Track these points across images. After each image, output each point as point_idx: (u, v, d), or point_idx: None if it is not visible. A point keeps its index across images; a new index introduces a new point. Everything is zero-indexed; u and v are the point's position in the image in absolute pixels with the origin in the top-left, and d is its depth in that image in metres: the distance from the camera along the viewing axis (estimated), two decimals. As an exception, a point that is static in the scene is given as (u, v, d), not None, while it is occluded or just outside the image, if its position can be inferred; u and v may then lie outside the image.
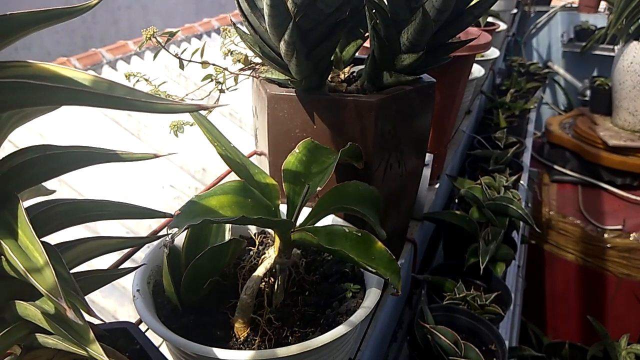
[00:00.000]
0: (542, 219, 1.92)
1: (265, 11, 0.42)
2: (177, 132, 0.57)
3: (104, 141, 1.01)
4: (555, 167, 2.06)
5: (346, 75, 0.60)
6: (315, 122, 0.51)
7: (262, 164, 0.60)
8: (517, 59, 1.81)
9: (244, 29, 0.50)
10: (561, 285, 1.93)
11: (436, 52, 0.53)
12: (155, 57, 0.53)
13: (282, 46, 0.44)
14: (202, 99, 0.58)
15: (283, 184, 0.43)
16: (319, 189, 0.42)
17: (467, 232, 0.84)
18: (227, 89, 0.58)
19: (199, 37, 1.65)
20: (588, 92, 2.52)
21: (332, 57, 0.50)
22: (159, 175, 1.01)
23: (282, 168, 0.44)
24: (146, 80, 0.57)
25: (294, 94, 0.51)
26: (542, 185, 2.02)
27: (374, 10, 0.49)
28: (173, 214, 0.35)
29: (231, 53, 0.62)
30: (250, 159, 0.70)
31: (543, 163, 2.11)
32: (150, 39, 0.50)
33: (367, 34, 0.58)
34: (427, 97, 0.56)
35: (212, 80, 0.58)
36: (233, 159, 0.40)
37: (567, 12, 3.01)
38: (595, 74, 2.81)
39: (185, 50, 0.54)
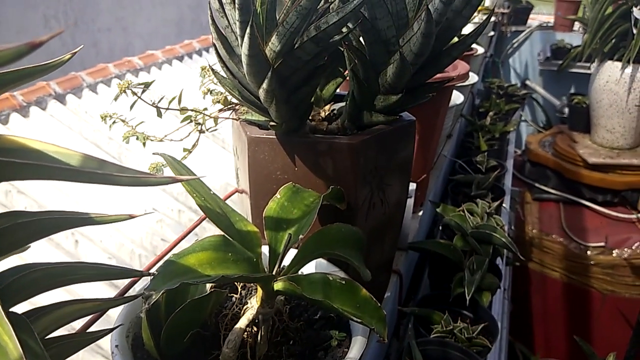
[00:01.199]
0: (526, 238, 1.93)
1: (243, 60, 0.41)
2: (157, 173, 0.56)
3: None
4: (537, 185, 2.09)
5: (327, 113, 0.60)
6: (297, 165, 0.51)
7: (244, 202, 0.60)
8: (496, 81, 1.84)
9: (222, 72, 0.50)
10: (547, 303, 1.94)
11: (415, 92, 0.53)
12: (116, 99, 0.52)
13: (261, 93, 0.44)
14: (182, 139, 0.57)
15: (265, 232, 0.43)
16: (301, 236, 0.42)
17: (452, 261, 0.84)
18: (207, 129, 0.57)
19: (180, 59, 1.65)
20: (566, 110, 2.57)
21: (311, 100, 0.50)
22: (141, 198, 0.99)
23: (263, 215, 0.43)
24: (123, 121, 0.56)
25: (275, 137, 0.50)
26: (525, 203, 2.04)
27: (352, 53, 0.49)
28: (150, 272, 0.34)
29: (210, 92, 0.61)
30: (232, 197, 0.69)
31: (524, 181, 2.14)
32: (124, 91, 0.50)
33: (346, 72, 0.59)
34: (407, 135, 0.56)
35: (191, 121, 0.57)
36: (213, 209, 0.40)
37: (543, 31, 3.08)
38: (572, 91, 2.86)
39: (162, 98, 0.54)
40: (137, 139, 0.56)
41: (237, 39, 0.44)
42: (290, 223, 0.44)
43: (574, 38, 2.95)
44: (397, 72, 0.48)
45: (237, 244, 0.39)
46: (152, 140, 0.57)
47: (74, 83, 1.22)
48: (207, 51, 1.65)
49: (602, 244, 1.82)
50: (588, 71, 2.23)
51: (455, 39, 0.50)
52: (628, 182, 1.90)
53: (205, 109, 0.59)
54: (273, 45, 0.42)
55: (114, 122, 0.55)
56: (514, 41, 3.07)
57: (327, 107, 0.61)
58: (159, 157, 0.45)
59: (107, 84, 1.28)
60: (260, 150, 0.51)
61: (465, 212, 0.87)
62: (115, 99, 0.51)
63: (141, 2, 3.79)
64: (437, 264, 0.89)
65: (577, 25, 2.99)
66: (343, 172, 0.50)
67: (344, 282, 0.40)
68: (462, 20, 0.49)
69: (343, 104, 0.62)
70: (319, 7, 0.43)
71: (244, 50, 0.40)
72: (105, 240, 0.88)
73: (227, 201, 0.57)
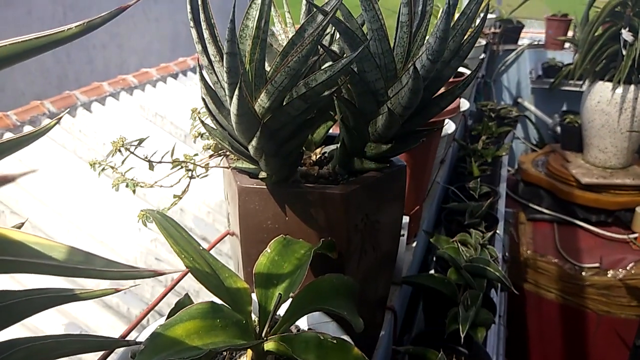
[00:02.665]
0: (521, 258, 1.93)
1: (232, 118, 0.41)
2: (145, 222, 0.56)
3: (77, 185, 0.99)
4: (531, 205, 2.09)
5: (317, 157, 0.60)
6: (287, 214, 0.50)
7: (235, 245, 0.60)
8: (488, 104, 1.85)
9: (210, 122, 0.50)
10: (542, 324, 1.93)
11: (406, 139, 0.53)
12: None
13: (251, 149, 0.44)
14: (172, 185, 0.57)
15: (255, 290, 0.42)
16: (292, 295, 0.41)
17: (446, 295, 0.83)
18: (198, 176, 0.57)
19: (175, 76, 1.66)
20: (558, 128, 2.58)
21: (301, 150, 0.50)
22: (135, 216, 0.99)
23: (253, 272, 0.43)
24: (112, 167, 0.56)
25: (265, 187, 0.50)
26: (519, 224, 2.04)
27: (342, 103, 0.50)
28: (137, 342, 0.33)
29: (201, 136, 0.61)
30: (219, 245, 0.68)
31: (518, 201, 2.14)
32: (119, 150, 0.50)
33: (336, 115, 0.59)
34: (398, 181, 0.56)
35: (181, 168, 0.57)
36: (202, 270, 0.40)
37: (534, 50, 3.10)
38: (564, 108, 2.88)
39: (155, 152, 0.54)
40: (127, 186, 0.56)
41: (226, 94, 0.44)
42: (281, 278, 0.44)
43: (565, 56, 2.98)
44: (386, 124, 0.48)
45: (226, 307, 0.38)
46: (142, 186, 0.57)
47: (68, 102, 1.22)
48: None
49: (597, 264, 1.82)
50: (580, 89, 2.25)
51: (443, 89, 0.50)
52: (621, 202, 1.91)
53: (197, 154, 0.59)
54: (262, 101, 0.43)
55: (102, 169, 0.55)
56: (506, 59, 3.10)
57: (318, 150, 0.61)
58: (147, 204, 0.45)
59: (102, 103, 1.28)
60: (250, 200, 0.51)
61: (459, 246, 0.87)
62: (111, 155, 0.51)
63: (135, 18, 3.80)
64: (431, 297, 0.88)
65: (567, 43, 3.02)
66: (334, 221, 0.50)
67: (335, 342, 0.40)
68: (450, 71, 0.49)
69: (334, 146, 0.62)
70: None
71: (232, 110, 0.40)
72: None
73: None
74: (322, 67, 0.42)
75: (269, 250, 0.45)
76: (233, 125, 0.43)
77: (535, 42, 3.13)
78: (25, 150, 1.03)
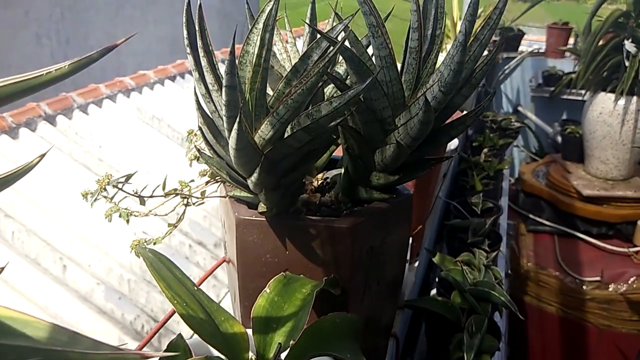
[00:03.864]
0: (521, 271, 1.91)
1: (231, 152, 0.39)
2: (138, 254, 0.53)
3: (74, 187, 0.97)
4: (531, 216, 2.07)
5: (319, 182, 0.58)
6: (288, 248, 0.48)
7: (232, 274, 0.57)
8: (489, 114, 1.83)
9: (207, 151, 0.47)
10: (543, 337, 1.90)
11: (413, 167, 0.50)
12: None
13: (250, 183, 0.41)
14: (167, 214, 0.54)
15: (252, 335, 0.40)
16: (292, 342, 0.39)
17: (450, 320, 0.81)
18: (194, 204, 0.54)
19: (172, 78, 1.63)
20: (559, 138, 2.56)
21: (302, 180, 0.47)
22: (131, 222, 0.97)
23: (251, 315, 0.40)
24: (105, 197, 0.53)
25: (264, 219, 0.47)
26: (519, 235, 2.02)
27: (347, 132, 0.47)
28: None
29: (198, 159, 0.58)
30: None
31: (518, 212, 2.12)
32: (104, 188, 0.47)
33: (339, 139, 0.56)
34: (405, 210, 0.53)
35: (176, 195, 0.54)
36: (196, 317, 0.37)
37: (534, 58, 3.08)
38: (564, 117, 2.86)
39: (146, 186, 0.51)
40: (120, 216, 0.53)
41: (224, 125, 0.41)
42: (281, 321, 0.41)
43: (566, 65, 2.95)
44: (393, 155, 0.45)
45: (222, 356, 0.36)
46: (135, 215, 0.54)
47: (65, 104, 1.19)
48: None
49: (598, 278, 1.80)
50: (580, 98, 2.23)
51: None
52: (623, 215, 1.89)
53: (192, 180, 0.56)
54: (263, 133, 0.40)
55: (95, 199, 0.52)
56: (505, 67, 3.08)
57: (320, 176, 0.58)
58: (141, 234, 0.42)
59: (98, 105, 1.26)
60: (249, 232, 0.48)
61: (463, 268, 0.85)
62: (94, 198, 0.48)
63: (133, 20, 3.77)
64: (434, 321, 0.86)
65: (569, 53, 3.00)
66: (338, 256, 0.48)
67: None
68: (462, 99, 0.47)
69: (336, 171, 0.59)
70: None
71: (231, 144, 0.38)
72: (94, 264, 0.85)
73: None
74: (328, 98, 0.39)
75: (268, 291, 0.42)
76: (231, 159, 0.40)
77: (536, 50, 3.11)
78: (21, 152, 1.00)
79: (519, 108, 3.06)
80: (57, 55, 3.09)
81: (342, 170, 0.53)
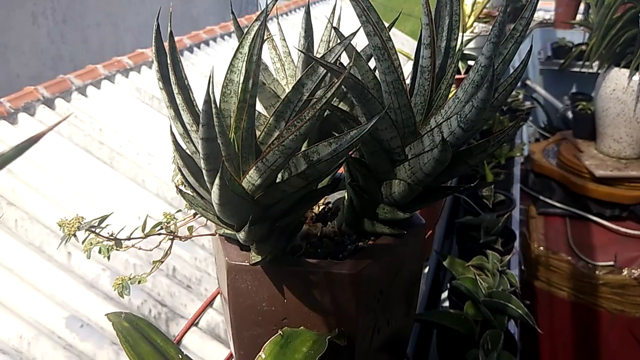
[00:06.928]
0: (532, 255, 1.86)
1: (215, 208, 0.33)
2: (122, 293, 0.48)
3: (76, 172, 0.92)
4: (542, 198, 2.01)
5: (320, 209, 0.52)
6: (286, 296, 0.42)
7: (226, 310, 0.52)
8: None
9: (191, 192, 0.41)
10: (554, 323, 1.87)
11: (427, 195, 0.44)
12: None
13: (239, 237, 0.36)
14: (152, 249, 0.49)
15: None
16: (291, 423, 0.34)
17: (463, 334, 0.76)
18: (180, 239, 0.49)
19: None
20: (569, 113, 2.48)
21: (299, 221, 0.42)
22: (135, 204, 0.93)
23: (244, 388, 0.35)
24: (90, 231, 0.48)
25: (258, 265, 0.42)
26: (530, 218, 1.96)
27: (350, 164, 0.41)
28: None
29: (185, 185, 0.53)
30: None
31: (528, 193, 2.05)
32: (74, 234, 0.41)
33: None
34: (417, 242, 0.47)
35: (162, 229, 0.49)
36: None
37: (543, 29, 2.97)
38: (574, 90, 2.77)
39: (123, 228, 0.45)
40: (100, 251, 0.48)
41: (204, 176, 0.35)
42: (278, 392, 0.36)
43: (575, 36, 2.84)
44: (404, 194, 0.39)
45: None
46: (117, 250, 0.49)
47: (63, 86, 1.14)
48: (199, 47, 1.56)
49: (611, 262, 1.75)
50: (590, 70, 2.14)
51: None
52: (637, 196, 1.82)
53: (179, 210, 0.50)
54: (251, 178, 0.34)
55: (70, 234, 0.46)
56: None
57: (320, 202, 0.53)
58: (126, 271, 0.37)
59: (97, 86, 1.20)
60: (241, 278, 0.42)
61: (476, 277, 0.79)
62: (64, 242, 0.42)
63: (129, -5, 3.67)
64: (446, 335, 0.81)
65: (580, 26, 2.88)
66: (343, 303, 0.42)
67: None
68: (481, 122, 0.40)
69: (339, 194, 0.54)
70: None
71: (214, 199, 0.32)
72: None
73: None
74: (326, 138, 0.33)
75: (263, 356, 0.37)
76: (216, 213, 0.34)
77: (545, 20, 2.99)
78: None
79: (528, 82, 2.96)
80: (53, 34, 3.01)
81: (346, 197, 0.47)
